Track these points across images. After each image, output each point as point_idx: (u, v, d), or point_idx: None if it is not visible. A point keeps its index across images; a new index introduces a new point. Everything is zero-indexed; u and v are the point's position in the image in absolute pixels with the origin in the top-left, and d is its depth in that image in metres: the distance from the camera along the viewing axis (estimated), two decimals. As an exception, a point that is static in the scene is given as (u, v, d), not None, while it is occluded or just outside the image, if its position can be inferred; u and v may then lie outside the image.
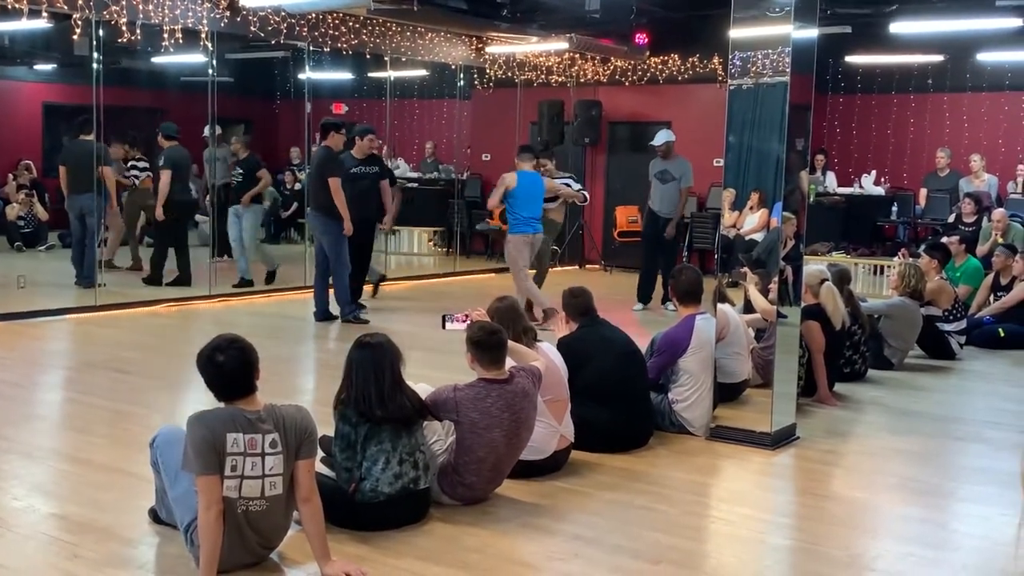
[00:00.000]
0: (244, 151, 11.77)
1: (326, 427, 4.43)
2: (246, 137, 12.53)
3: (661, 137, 10.82)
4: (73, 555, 4.05)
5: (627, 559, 4.18)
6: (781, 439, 5.86)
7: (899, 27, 12.06)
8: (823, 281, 6.96)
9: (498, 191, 9.54)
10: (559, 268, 11.96)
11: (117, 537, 4.25)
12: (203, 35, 10.80)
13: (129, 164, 12.81)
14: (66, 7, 9.58)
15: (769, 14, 5.68)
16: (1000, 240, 10.78)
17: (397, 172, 16.14)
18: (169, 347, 8.62)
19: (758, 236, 11.84)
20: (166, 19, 10.36)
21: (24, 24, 10.04)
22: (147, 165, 12.77)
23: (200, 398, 4.27)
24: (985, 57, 13.12)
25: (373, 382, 4.26)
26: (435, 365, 7.02)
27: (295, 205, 15.86)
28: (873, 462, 5.75)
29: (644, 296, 10.85)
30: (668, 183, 10.70)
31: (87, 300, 10.16)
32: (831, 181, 13.94)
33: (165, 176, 11.22)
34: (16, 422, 6.04)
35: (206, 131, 13.37)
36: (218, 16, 10.88)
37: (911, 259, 9.16)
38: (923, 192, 13.16)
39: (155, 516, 4.32)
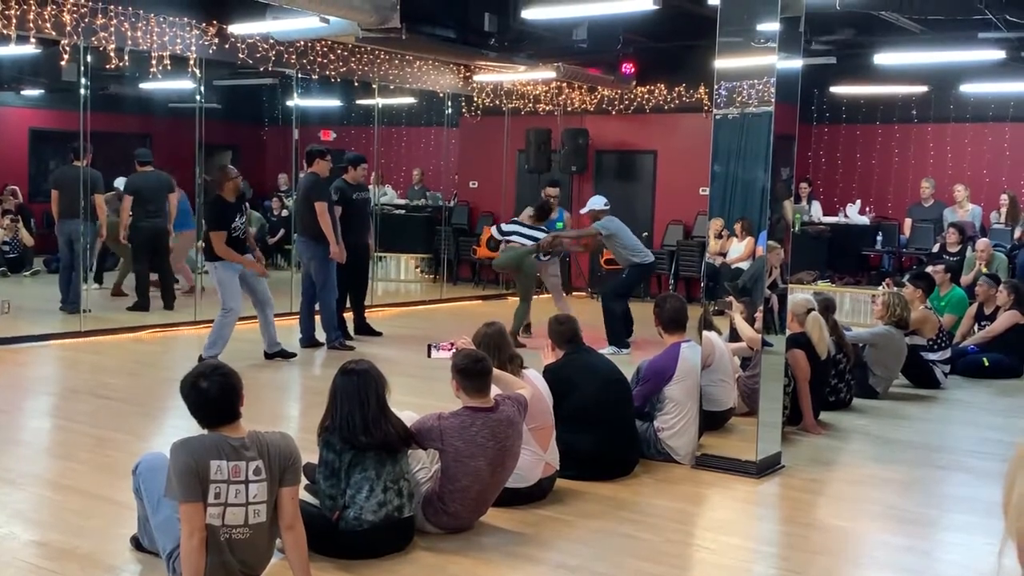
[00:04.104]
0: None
1: (310, 454, 4.41)
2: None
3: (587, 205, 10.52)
4: (53, 583, 4.02)
5: (611, 588, 4.17)
6: (766, 467, 5.86)
7: (883, 58, 12.18)
8: (809, 310, 6.98)
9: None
10: (545, 295, 11.96)
11: (99, 564, 4.22)
12: (191, 62, 10.82)
13: None
14: (54, 33, 9.59)
15: (754, 44, 5.73)
16: (984, 270, 10.83)
17: (384, 199, 16.23)
18: (153, 373, 8.59)
19: (744, 264, 11.92)
20: (154, 45, 10.38)
21: (12, 49, 10.05)
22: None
23: (183, 425, 4.25)
24: (968, 88, 13.25)
25: (358, 409, 4.25)
26: (420, 392, 7.01)
27: (282, 231, 15.85)
28: (857, 490, 5.76)
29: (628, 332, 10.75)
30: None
31: (72, 326, 10.12)
32: (816, 210, 14.02)
33: (125, 203, 11.49)
34: (-2, 448, 6.01)
35: None
36: (207, 43, 10.90)
37: (896, 288, 9.19)
38: (907, 222, 13.24)
39: (137, 544, 4.29)
